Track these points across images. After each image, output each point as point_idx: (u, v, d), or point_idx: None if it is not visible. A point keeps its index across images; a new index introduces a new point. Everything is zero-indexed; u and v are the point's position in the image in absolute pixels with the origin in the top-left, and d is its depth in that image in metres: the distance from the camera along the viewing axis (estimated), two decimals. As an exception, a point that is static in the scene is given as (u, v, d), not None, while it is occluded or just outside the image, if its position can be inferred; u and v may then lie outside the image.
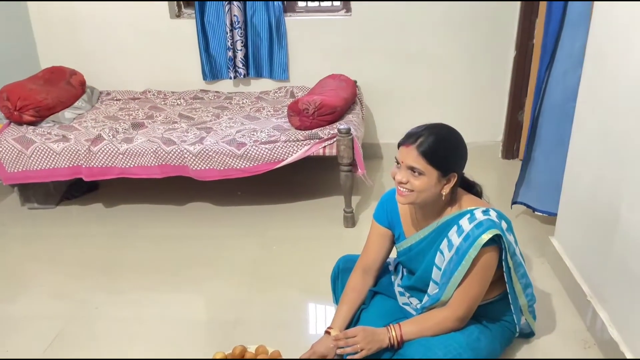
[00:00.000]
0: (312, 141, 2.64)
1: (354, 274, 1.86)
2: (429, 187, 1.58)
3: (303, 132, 2.69)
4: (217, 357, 1.84)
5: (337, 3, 3.47)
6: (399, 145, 1.63)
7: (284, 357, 1.84)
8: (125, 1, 3.31)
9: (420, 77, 3.47)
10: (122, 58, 3.46)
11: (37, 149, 2.64)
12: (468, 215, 1.63)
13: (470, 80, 3.46)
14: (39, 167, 2.65)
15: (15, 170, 2.67)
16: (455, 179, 1.62)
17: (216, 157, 2.60)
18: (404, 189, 1.61)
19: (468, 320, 1.66)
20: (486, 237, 1.57)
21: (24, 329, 2.07)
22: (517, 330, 1.82)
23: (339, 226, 2.75)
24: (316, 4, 3.49)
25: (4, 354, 1.95)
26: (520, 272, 1.74)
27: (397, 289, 1.88)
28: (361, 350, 1.58)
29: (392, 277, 1.94)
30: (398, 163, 1.62)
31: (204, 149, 2.60)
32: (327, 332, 1.73)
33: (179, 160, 2.62)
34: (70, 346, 1.98)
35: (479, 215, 1.62)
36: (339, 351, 1.62)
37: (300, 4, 3.47)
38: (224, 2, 3.24)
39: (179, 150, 2.61)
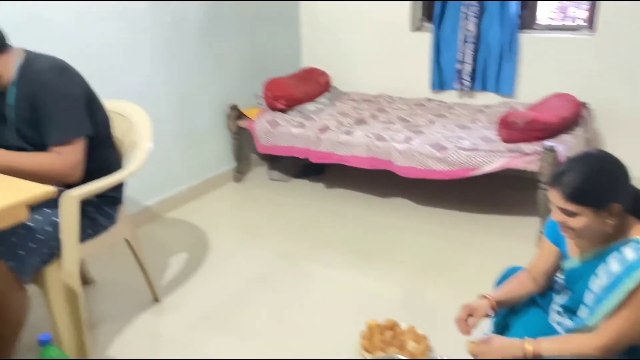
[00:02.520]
0: (513, 154, 2.64)
1: (524, 272, 1.89)
2: (587, 225, 1.53)
3: (507, 144, 2.71)
4: (370, 324, 2.09)
5: (581, 22, 3.32)
6: (547, 184, 1.60)
7: (429, 343, 1.97)
8: None
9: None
10: (365, 64, 3.93)
11: (281, 131, 3.26)
12: (634, 245, 1.52)
13: None
14: (281, 144, 3.27)
15: (266, 144, 3.35)
16: (619, 209, 1.52)
17: (418, 156, 2.82)
18: (564, 228, 1.59)
19: (613, 355, 1.54)
20: None
21: (235, 263, 2.64)
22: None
23: (530, 246, 2.68)
24: (558, 22, 3.40)
25: (211, 280, 2.53)
26: None
27: (554, 307, 1.83)
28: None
29: (554, 295, 1.89)
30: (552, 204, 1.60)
31: (409, 148, 2.85)
32: (482, 297, 1.81)
33: (386, 155, 2.92)
34: (263, 289, 2.45)
35: (647, 246, 1.50)
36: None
37: (540, 21, 3.42)
38: (460, 17, 3.43)
39: (387, 146, 2.91)
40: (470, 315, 1.76)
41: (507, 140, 2.75)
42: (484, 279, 2.09)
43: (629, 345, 1.54)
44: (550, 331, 1.74)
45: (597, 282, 1.59)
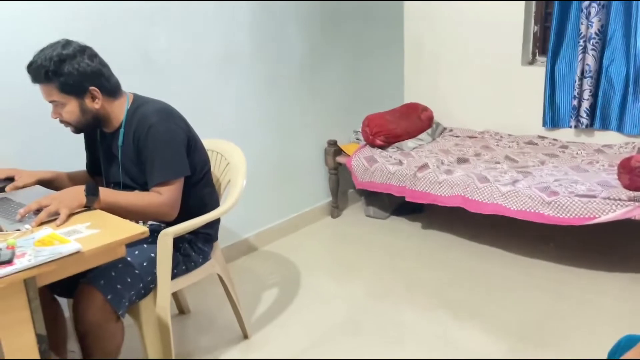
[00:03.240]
0: (636, 203, 2.35)
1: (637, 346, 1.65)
2: None
3: (629, 192, 2.42)
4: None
5: None
6: None
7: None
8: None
9: None
10: (470, 99, 3.77)
11: (378, 168, 3.20)
12: None
13: None
14: (378, 181, 3.21)
15: (363, 180, 3.30)
16: None
17: (524, 199, 2.61)
18: None
19: None
20: None
21: (326, 303, 2.59)
22: None
23: (657, 309, 2.35)
24: (696, 53, 3.02)
25: (300, 318, 2.50)
26: None
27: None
28: None
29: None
30: None
31: (514, 191, 2.65)
32: None
33: (488, 198, 2.74)
34: (352, 333, 2.38)
35: None
36: None
37: (674, 52, 3.06)
38: (578, 51, 3.18)
39: (489, 188, 2.74)
40: None
41: (629, 187, 2.46)
42: (598, 344, 1.86)
43: None
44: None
45: None
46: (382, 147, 3.39)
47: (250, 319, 2.45)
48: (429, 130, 3.63)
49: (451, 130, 3.73)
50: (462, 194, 2.82)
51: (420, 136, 3.54)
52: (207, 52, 2.76)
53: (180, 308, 2.52)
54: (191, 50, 2.68)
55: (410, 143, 3.44)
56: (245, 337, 2.32)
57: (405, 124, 3.51)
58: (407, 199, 3.09)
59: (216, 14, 2.75)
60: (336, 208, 3.58)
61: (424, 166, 3.06)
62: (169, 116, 1.84)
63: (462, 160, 3.12)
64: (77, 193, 1.64)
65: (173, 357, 1.90)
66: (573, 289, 2.59)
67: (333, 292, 2.71)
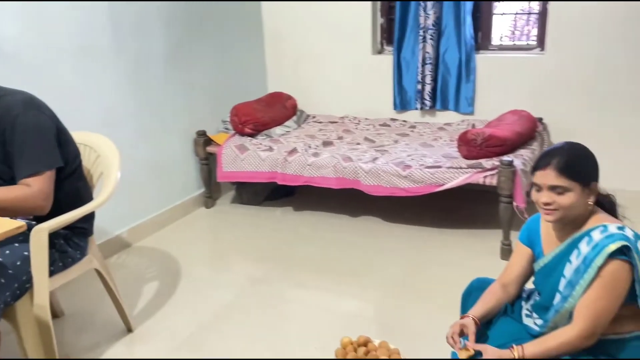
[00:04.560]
0: (473, 170, 2.76)
1: (494, 283, 1.95)
2: (575, 201, 1.63)
3: (468, 160, 2.82)
4: (344, 341, 2.13)
5: (533, 41, 3.50)
6: (535, 169, 1.70)
7: (401, 356, 2.03)
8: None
9: (615, 121, 3.25)
10: (329, 87, 4.04)
11: (249, 155, 3.31)
12: (601, 228, 1.62)
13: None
14: (247, 169, 3.31)
15: (229, 170, 3.37)
16: (597, 189, 1.63)
17: (384, 175, 2.91)
18: (550, 209, 1.68)
19: (596, 337, 1.61)
20: (614, 246, 1.53)
21: (207, 290, 2.64)
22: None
23: (495, 257, 2.78)
24: (510, 42, 3.58)
25: (184, 307, 2.53)
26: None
27: (524, 312, 1.89)
28: None
29: (523, 302, 1.96)
30: (539, 188, 1.70)
31: (375, 168, 2.94)
32: (465, 317, 1.85)
33: (353, 175, 3.00)
34: (236, 314, 2.47)
35: (612, 228, 1.60)
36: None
37: (495, 42, 3.60)
38: (419, 40, 3.58)
39: (353, 167, 2.99)
40: (461, 331, 1.81)
41: (467, 157, 2.87)
42: (451, 292, 2.17)
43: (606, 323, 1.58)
44: (526, 335, 1.79)
45: (570, 267, 1.67)
46: (252, 135, 3.49)
47: (132, 313, 2.42)
48: (294, 118, 3.81)
49: (314, 117, 3.96)
50: (335, 176, 3.04)
51: (286, 123, 3.71)
52: (61, 44, 2.62)
53: (53, 311, 2.39)
54: (43, 40, 2.53)
55: (278, 130, 3.59)
56: (129, 330, 2.30)
57: (272, 112, 3.65)
58: (279, 183, 3.24)
59: (70, 5, 2.62)
60: (209, 198, 3.62)
61: (293, 151, 3.23)
62: (35, 106, 1.76)
63: (327, 144, 3.35)
64: None
65: (57, 358, 1.83)
66: (431, 248, 2.95)
67: (214, 279, 2.76)
